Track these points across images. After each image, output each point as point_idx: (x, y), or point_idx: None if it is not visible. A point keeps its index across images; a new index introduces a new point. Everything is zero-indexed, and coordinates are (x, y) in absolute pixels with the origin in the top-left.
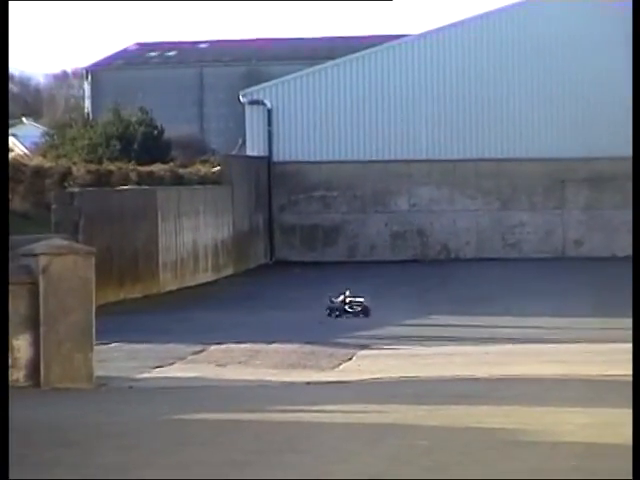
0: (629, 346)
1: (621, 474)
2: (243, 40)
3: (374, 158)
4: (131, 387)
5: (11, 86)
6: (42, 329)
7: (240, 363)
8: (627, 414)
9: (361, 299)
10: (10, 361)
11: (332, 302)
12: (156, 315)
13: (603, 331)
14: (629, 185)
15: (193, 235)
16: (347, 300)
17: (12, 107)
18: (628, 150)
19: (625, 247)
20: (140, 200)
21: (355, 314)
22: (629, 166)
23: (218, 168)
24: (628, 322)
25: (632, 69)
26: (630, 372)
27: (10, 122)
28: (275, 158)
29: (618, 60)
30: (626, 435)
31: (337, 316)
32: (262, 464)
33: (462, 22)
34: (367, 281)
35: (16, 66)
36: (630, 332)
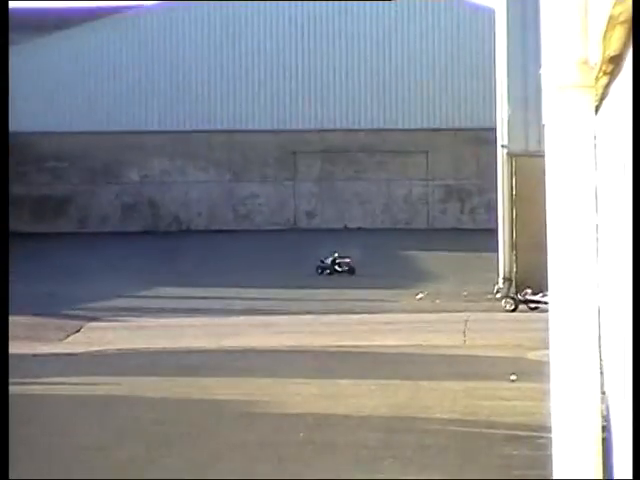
0: (355, 317)
1: (354, 446)
2: None
3: (105, 129)
4: None
5: None
6: None
7: None
8: (354, 385)
9: (348, 259)
10: None
11: (323, 262)
12: None
13: (333, 302)
14: (360, 156)
15: None
16: (336, 260)
17: None
18: (360, 123)
19: (356, 219)
20: None
21: (343, 272)
22: (361, 138)
23: None
24: (355, 293)
25: (632, 72)
26: (356, 343)
27: None
28: None
29: (355, 34)
30: (355, 406)
31: (328, 274)
32: None
33: None
34: (97, 253)
35: None
36: (358, 303)
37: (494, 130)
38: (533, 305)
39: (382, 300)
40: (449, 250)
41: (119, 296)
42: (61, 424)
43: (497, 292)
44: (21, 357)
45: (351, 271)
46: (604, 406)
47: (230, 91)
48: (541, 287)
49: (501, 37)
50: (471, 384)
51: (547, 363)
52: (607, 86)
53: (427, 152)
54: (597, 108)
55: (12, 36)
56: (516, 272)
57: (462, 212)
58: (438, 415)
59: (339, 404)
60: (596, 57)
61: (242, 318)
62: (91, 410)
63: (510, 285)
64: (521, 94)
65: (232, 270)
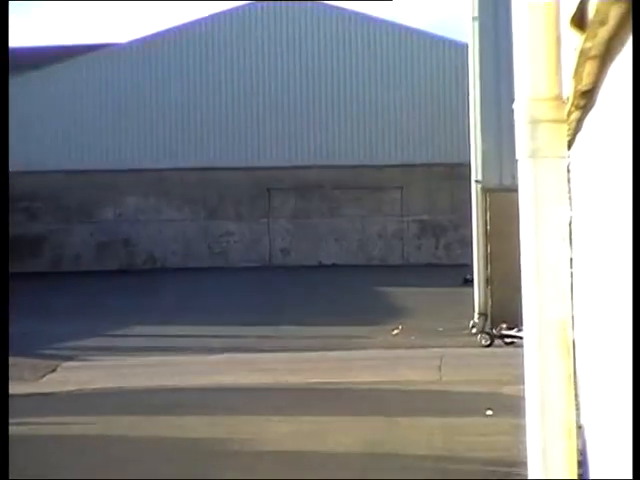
0: (332, 353)
1: None
2: None
3: (79, 168)
4: None
5: None
6: None
7: None
8: (331, 422)
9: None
10: None
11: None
12: None
13: (309, 339)
14: (335, 193)
15: None
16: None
17: None
18: (334, 159)
19: (331, 255)
20: None
21: None
22: (335, 174)
23: None
24: (330, 330)
25: (632, 70)
26: (332, 379)
27: None
28: None
29: (327, 69)
30: (330, 443)
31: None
32: None
33: (169, 31)
34: (72, 291)
35: None
36: (333, 340)
37: (468, 165)
38: (509, 340)
39: (357, 337)
40: (424, 286)
41: (95, 335)
42: (35, 465)
43: (473, 327)
44: None
45: None
46: (580, 441)
47: (204, 129)
48: (516, 322)
49: (474, 71)
50: (447, 420)
51: (523, 398)
52: (580, 120)
53: (402, 188)
54: (570, 142)
55: None
56: (491, 307)
57: (437, 247)
58: (415, 451)
59: (312, 442)
60: (568, 91)
61: (220, 356)
62: (67, 450)
63: (485, 320)
64: (495, 129)
65: (209, 308)
